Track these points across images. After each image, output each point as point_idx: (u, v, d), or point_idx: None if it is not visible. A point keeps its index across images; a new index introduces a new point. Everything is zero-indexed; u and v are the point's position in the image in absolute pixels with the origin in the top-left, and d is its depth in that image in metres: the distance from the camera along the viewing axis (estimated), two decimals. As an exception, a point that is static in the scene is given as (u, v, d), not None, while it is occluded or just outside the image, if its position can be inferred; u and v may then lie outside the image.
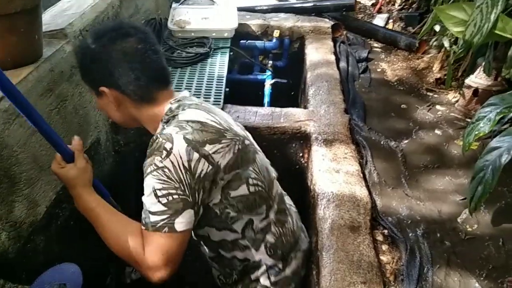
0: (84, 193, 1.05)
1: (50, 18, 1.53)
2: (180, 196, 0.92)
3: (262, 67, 2.62)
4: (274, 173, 1.24)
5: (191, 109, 1.04)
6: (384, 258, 1.30)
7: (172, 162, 0.92)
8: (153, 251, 0.94)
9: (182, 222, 0.93)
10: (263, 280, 1.21)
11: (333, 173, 1.52)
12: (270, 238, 1.17)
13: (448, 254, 1.33)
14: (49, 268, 1.10)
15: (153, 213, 0.93)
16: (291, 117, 1.86)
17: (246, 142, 1.10)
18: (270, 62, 2.66)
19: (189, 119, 1.00)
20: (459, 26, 1.09)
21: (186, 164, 0.92)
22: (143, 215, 0.96)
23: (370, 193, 1.51)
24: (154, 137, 0.97)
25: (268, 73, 2.54)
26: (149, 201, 0.94)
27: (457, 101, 2.16)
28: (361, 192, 1.45)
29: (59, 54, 1.37)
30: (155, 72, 1.04)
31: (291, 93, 2.63)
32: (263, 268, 1.20)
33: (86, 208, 1.04)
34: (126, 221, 1.02)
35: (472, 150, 1.06)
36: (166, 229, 0.93)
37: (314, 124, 1.79)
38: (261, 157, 1.17)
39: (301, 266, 1.30)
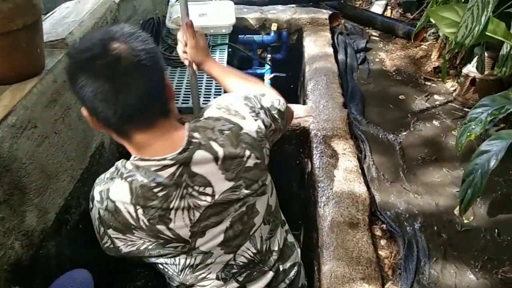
0: None
1: (50, 27, 1.55)
2: None
3: (261, 62, 2.63)
4: None
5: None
6: (382, 253, 1.34)
7: None
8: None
9: None
10: None
11: (332, 169, 1.56)
12: None
13: (444, 247, 1.37)
14: (61, 275, 1.15)
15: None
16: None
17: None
18: (269, 55, 2.68)
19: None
20: (451, 27, 1.11)
21: None
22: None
23: (368, 188, 1.55)
24: None
25: (267, 67, 2.56)
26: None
27: (455, 90, 2.18)
28: (359, 188, 1.49)
29: (61, 64, 1.40)
30: None
31: (290, 86, 2.65)
32: None
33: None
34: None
35: (470, 140, 1.09)
36: None
37: (313, 120, 1.83)
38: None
39: None
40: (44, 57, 1.35)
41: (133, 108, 0.82)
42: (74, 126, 1.49)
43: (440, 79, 2.30)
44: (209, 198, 0.92)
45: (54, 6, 1.79)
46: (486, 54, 1.81)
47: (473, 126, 1.02)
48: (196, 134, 0.90)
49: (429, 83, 2.31)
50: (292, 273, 1.17)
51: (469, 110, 2.02)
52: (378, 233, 1.41)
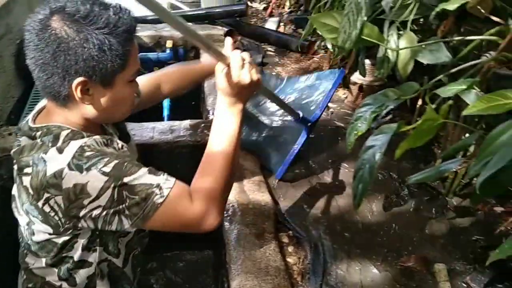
0: None
1: None
2: None
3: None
4: None
5: None
6: (291, 259, 1.34)
7: None
8: None
9: None
10: None
11: (237, 181, 1.54)
12: None
13: (349, 246, 1.41)
14: None
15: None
16: (191, 129, 1.84)
17: None
18: (167, 73, 2.61)
19: None
20: (332, 33, 1.16)
21: None
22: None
23: (273, 196, 1.55)
24: None
25: (166, 85, 2.49)
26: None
27: (346, 97, 2.31)
28: (264, 197, 1.48)
29: None
30: None
31: (192, 102, 2.60)
32: None
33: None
34: None
35: (358, 137, 1.14)
36: None
37: (214, 134, 1.79)
38: None
39: None
40: None
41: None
42: None
43: (332, 88, 2.42)
44: None
45: None
46: (369, 61, 1.96)
47: (360, 124, 1.07)
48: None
49: (323, 92, 2.42)
50: None
51: (360, 114, 2.16)
52: (286, 240, 1.41)
